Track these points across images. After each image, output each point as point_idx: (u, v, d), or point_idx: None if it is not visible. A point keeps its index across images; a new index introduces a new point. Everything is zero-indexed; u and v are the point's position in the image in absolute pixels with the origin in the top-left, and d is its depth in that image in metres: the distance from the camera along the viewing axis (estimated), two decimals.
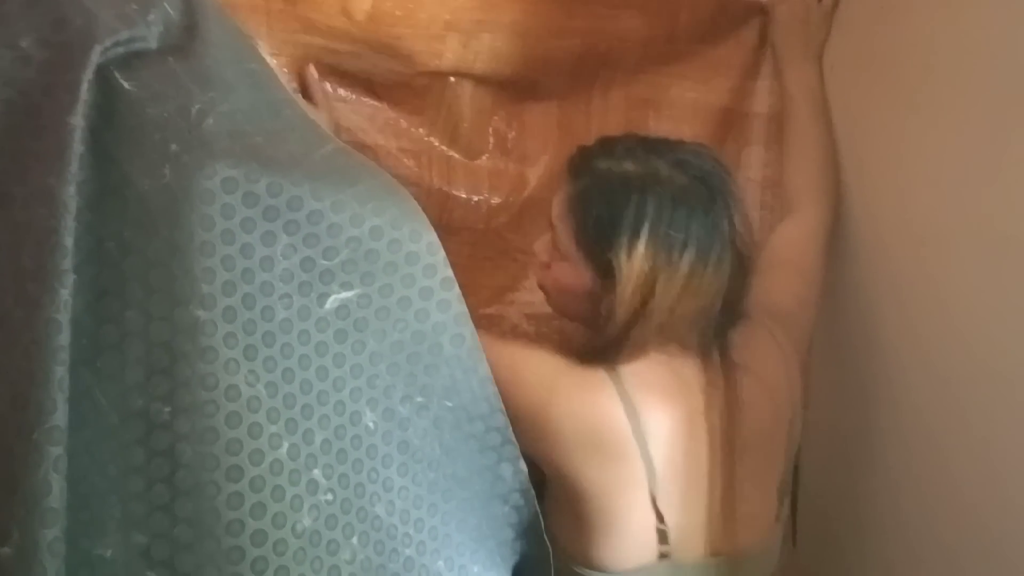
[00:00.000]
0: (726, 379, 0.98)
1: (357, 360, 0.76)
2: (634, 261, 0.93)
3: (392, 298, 0.77)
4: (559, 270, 1.01)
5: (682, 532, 0.97)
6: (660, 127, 1.26)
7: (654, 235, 0.93)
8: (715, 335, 0.99)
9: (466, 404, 0.86)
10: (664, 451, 0.95)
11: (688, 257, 0.94)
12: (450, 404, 0.84)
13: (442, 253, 0.80)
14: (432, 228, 0.80)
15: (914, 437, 1.08)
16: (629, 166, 0.97)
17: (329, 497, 0.74)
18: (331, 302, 0.74)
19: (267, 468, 0.70)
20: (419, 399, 0.81)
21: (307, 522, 0.72)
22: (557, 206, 1.01)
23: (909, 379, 1.08)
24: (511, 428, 0.91)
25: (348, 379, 0.76)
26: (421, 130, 1.20)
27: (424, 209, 1.19)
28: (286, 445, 0.71)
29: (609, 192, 0.96)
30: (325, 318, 0.74)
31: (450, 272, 0.81)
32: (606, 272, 0.95)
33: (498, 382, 0.92)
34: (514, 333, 1.24)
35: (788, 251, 1.17)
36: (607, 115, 1.26)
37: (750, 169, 1.30)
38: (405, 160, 1.19)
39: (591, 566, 0.98)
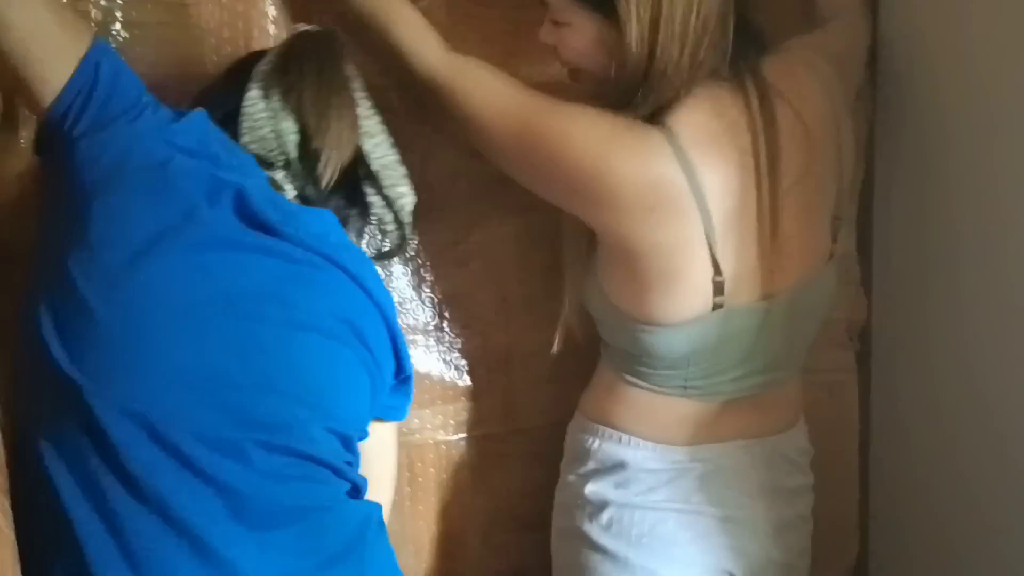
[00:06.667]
0: (763, 108, 0.96)
1: None
2: None
3: None
4: (569, 40, 0.99)
5: (736, 280, 0.98)
6: None
7: None
8: (744, 59, 0.97)
9: None
10: (720, 202, 0.95)
11: None
12: None
13: None
14: None
15: None
16: None
17: None
18: None
19: None
20: None
21: None
22: None
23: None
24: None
25: None
26: None
27: None
28: None
29: None
30: None
31: None
32: (609, 10, 0.93)
33: (548, 146, 0.95)
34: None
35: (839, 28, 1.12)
36: None
37: None
38: None
39: (647, 321, 1.00)
